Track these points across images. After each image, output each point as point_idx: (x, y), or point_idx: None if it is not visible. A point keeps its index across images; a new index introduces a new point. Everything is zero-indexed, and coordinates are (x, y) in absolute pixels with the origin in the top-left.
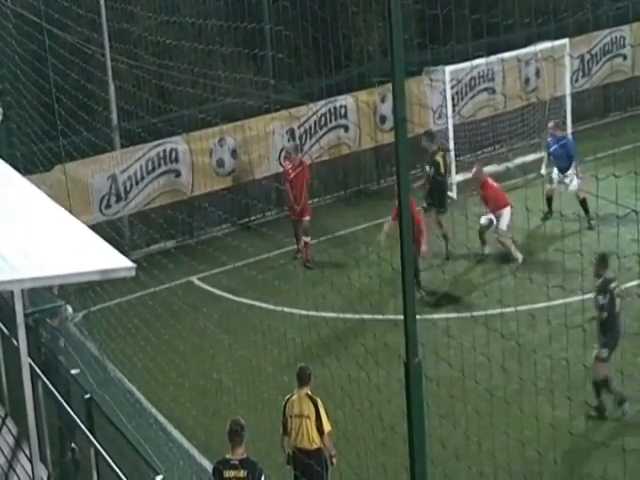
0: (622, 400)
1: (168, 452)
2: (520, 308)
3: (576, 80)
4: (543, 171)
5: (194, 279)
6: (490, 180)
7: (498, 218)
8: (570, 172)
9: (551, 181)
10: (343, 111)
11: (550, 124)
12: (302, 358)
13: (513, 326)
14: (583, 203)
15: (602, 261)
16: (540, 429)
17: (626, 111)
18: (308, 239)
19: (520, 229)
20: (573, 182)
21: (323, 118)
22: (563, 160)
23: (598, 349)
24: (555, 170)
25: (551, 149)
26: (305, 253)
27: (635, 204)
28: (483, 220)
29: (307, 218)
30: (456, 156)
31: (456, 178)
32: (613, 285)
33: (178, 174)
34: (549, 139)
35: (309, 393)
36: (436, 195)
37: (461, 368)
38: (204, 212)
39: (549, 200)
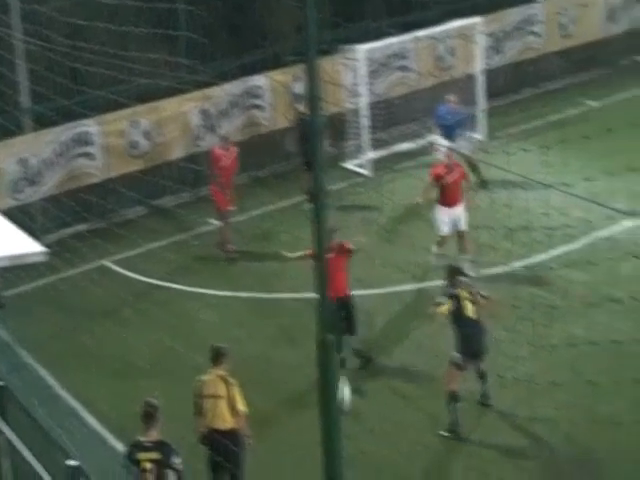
0: (453, 427)
1: (82, 437)
2: (432, 283)
3: (489, 57)
4: (436, 141)
5: (108, 262)
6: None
7: (459, 214)
8: (460, 138)
9: (443, 150)
10: (257, 91)
11: (451, 97)
12: (217, 338)
13: (427, 301)
14: (474, 167)
15: (452, 272)
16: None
17: (538, 88)
18: (229, 225)
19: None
20: (466, 146)
21: (237, 98)
22: (455, 127)
23: (453, 354)
24: (443, 139)
25: (444, 117)
26: (222, 238)
27: (545, 178)
28: (446, 228)
29: (232, 208)
30: (371, 134)
31: (370, 155)
32: (457, 291)
33: (91, 157)
34: (441, 107)
35: (223, 373)
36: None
37: (379, 345)
38: (118, 195)
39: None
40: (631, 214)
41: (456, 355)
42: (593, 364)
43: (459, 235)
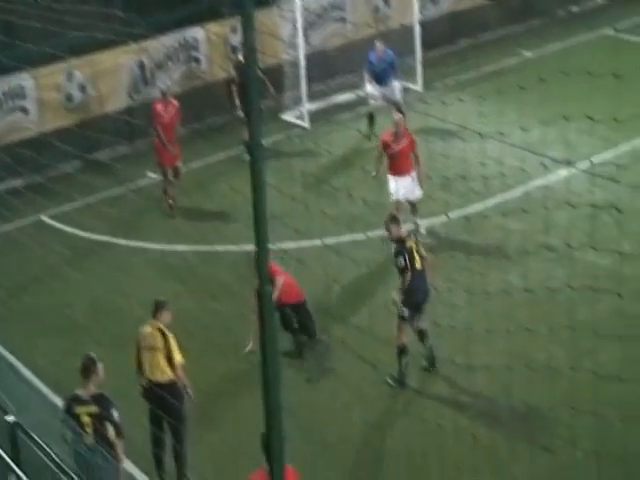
0: (401, 378)
1: (21, 393)
2: (370, 234)
3: (425, 8)
4: (368, 89)
5: (45, 217)
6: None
7: (409, 184)
8: (390, 84)
9: (374, 98)
10: (194, 43)
11: (378, 43)
12: (157, 292)
13: (365, 252)
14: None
15: (393, 221)
16: (392, 352)
17: (475, 38)
18: (177, 182)
19: (365, 151)
20: (395, 92)
21: (174, 50)
22: (385, 74)
23: (400, 308)
24: (374, 86)
25: (373, 64)
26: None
27: (481, 128)
28: (397, 195)
29: (180, 164)
30: (309, 86)
31: (307, 107)
32: (407, 244)
33: (26, 111)
34: (370, 54)
35: (160, 325)
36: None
37: (318, 296)
38: (53, 149)
39: (371, 118)
40: (566, 162)
41: (403, 309)
42: (529, 311)
43: (410, 203)
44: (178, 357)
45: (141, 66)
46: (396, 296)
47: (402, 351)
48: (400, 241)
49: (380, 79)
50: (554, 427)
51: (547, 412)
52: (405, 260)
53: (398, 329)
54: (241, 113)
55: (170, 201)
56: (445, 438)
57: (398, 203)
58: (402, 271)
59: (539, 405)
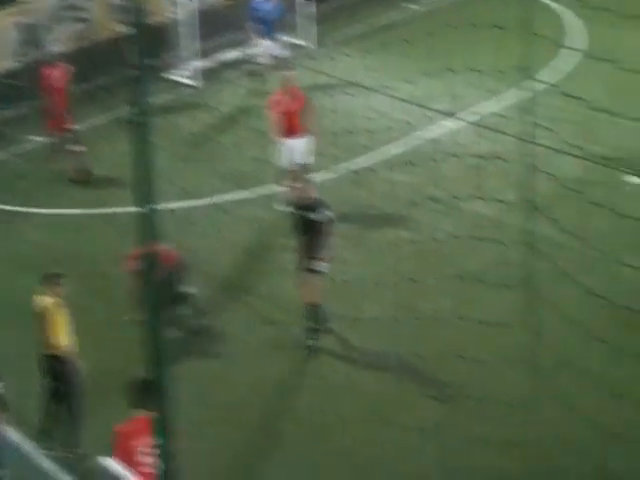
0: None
1: None
2: (260, 192)
3: None
4: (257, 45)
5: None
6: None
7: (299, 147)
8: (277, 40)
9: (263, 55)
10: (79, 3)
11: None
12: (46, 259)
13: (255, 210)
14: (260, 74)
15: (304, 183)
16: (287, 311)
17: None
18: (83, 148)
19: (254, 108)
20: (282, 48)
21: (58, 11)
22: (273, 26)
23: (316, 264)
24: (263, 42)
25: (263, 12)
26: (78, 162)
27: (369, 82)
28: (285, 160)
29: (74, 127)
30: (198, 44)
31: (198, 64)
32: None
33: None
34: (262, 3)
35: (50, 298)
36: None
37: (209, 256)
38: None
39: (260, 75)
40: (452, 115)
41: (324, 265)
42: (416, 263)
43: (301, 166)
44: (62, 332)
45: (26, 28)
46: (322, 253)
47: (317, 309)
48: (313, 200)
49: (268, 32)
50: (443, 376)
51: (436, 362)
52: (332, 212)
53: (314, 286)
54: (133, 72)
55: (55, 164)
56: (340, 393)
57: (290, 173)
58: (329, 225)
59: (428, 355)
